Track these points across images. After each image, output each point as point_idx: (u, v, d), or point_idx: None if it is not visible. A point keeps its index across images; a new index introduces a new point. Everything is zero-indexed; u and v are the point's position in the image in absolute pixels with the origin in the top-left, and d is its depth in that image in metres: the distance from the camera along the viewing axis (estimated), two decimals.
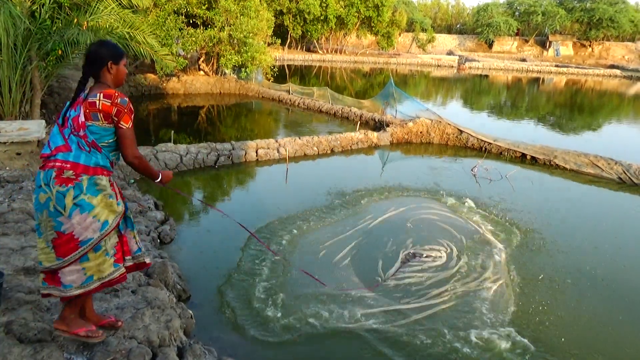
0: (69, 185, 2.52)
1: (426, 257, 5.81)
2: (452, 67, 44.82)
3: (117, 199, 2.73)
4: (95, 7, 8.45)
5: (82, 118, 2.56)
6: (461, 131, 12.37)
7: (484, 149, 11.87)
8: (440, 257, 5.84)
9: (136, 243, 3.02)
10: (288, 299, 4.80)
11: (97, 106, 2.56)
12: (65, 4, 8.02)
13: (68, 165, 2.54)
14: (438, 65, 45.63)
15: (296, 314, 4.53)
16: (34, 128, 6.60)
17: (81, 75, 2.75)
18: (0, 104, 7.52)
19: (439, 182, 9.04)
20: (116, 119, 2.60)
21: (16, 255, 4.14)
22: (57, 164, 2.55)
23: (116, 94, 2.59)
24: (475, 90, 31.12)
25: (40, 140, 6.58)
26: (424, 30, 56.32)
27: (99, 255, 2.69)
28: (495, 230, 6.79)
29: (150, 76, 18.25)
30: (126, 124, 2.63)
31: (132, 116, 2.66)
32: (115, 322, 3.24)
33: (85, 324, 3.03)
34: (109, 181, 2.72)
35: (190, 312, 4.15)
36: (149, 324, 3.44)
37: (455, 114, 18.23)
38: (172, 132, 9.80)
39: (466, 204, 7.77)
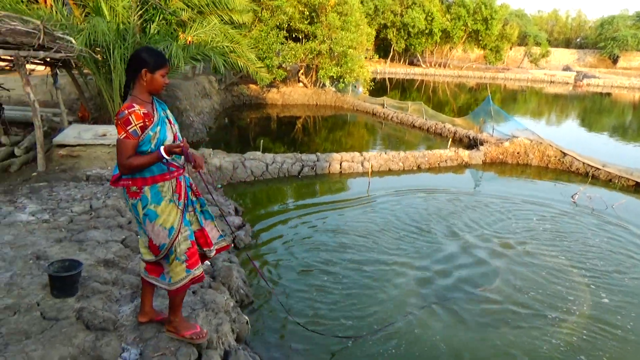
0: (137, 198, 2.77)
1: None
2: (568, 83, 41.53)
3: (179, 200, 2.88)
4: (199, 23, 9.10)
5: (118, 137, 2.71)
6: (564, 154, 11.39)
7: (590, 174, 10.80)
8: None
9: (218, 231, 3.23)
10: (348, 319, 4.75)
11: (116, 126, 2.69)
12: (173, 21, 8.76)
13: (130, 182, 2.75)
14: (551, 82, 42.56)
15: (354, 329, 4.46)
16: None
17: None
18: (112, 110, 8.41)
19: (530, 207, 8.39)
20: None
21: (100, 248, 4.56)
22: (122, 182, 2.77)
23: (123, 108, 2.62)
24: (594, 109, 28.48)
25: None
26: (538, 44, 52.98)
27: (172, 259, 2.92)
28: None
29: (252, 87, 19.27)
30: (118, 135, 2.64)
31: (129, 127, 2.60)
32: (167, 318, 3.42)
33: (191, 327, 3.32)
34: (177, 181, 2.87)
35: (246, 318, 4.25)
36: (200, 325, 3.60)
37: (563, 134, 16.87)
38: (262, 141, 10.22)
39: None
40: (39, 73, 12.19)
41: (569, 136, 16.88)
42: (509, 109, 24.22)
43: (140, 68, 2.67)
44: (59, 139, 6.76)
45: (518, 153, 11.73)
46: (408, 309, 4.98)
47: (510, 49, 50.19)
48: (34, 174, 6.30)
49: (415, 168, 10.67)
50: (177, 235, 2.87)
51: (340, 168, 9.95)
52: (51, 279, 3.62)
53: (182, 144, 2.75)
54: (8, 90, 8.57)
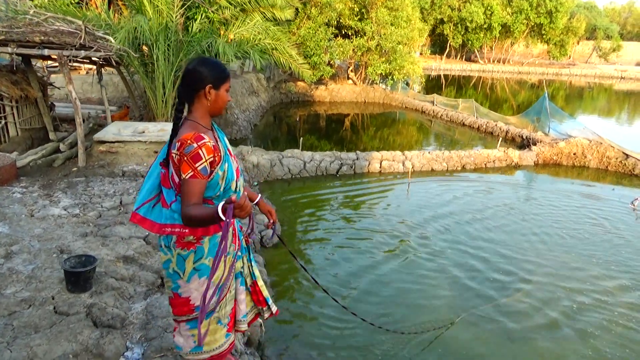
0: (191, 249, 2.23)
1: None
2: None
3: (234, 250, 2.38)
4: (241, 20, 9.14)
5: (175, 178, 2.17)
6: (627, 155, 10.50)
7: None
8: None
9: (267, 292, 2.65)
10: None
11: (175, 161, 2.13)
12: (215, 19, 8.84)
13: (187, 231, 2.20)
14: (622, 78, 39.77)
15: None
16: None
17: (178, 99, 2.30)
18: (154, 107, 8.63)
19: (578, 212, 7.79)
20: (179, 169, 2.10)
21: (122, 244, 4.63)
22: (175, 229, 2.22)
23: (188, 141, 2.06)
24: None
25: None
26: (608, 37, 49.61)
27: (210, 321, 2.33)
28: None
29: (300, 84, 19.29)
30: (183, 173, 2.06)
31: (198, 164, 2.06)
32: None
33: None
34: (233, 227, 2.37)
35: (260, 320, 4.15)
36: None
37: (635, 135, 15.65)
38: (301, 139, 10.13)
39: None
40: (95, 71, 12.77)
41: (637, 137, 15.64)
42: (574, 107, 22.86)
43: (202, 85, 2.16)
44: (99, 135, 6.99)
45: (574, 154, 10.94)
46: (442, 315, 4.71)
47: (577, 43, 47.31)
48: (74, 169, 6.54)
49: (459, 168, 10.20)
50: (226, 294, 2.35)
51: (380, 167, 9.68)
52: (66, 274, 3.70)
53: (245, 203, 1.79)
54: (59, 88, 9.01)
